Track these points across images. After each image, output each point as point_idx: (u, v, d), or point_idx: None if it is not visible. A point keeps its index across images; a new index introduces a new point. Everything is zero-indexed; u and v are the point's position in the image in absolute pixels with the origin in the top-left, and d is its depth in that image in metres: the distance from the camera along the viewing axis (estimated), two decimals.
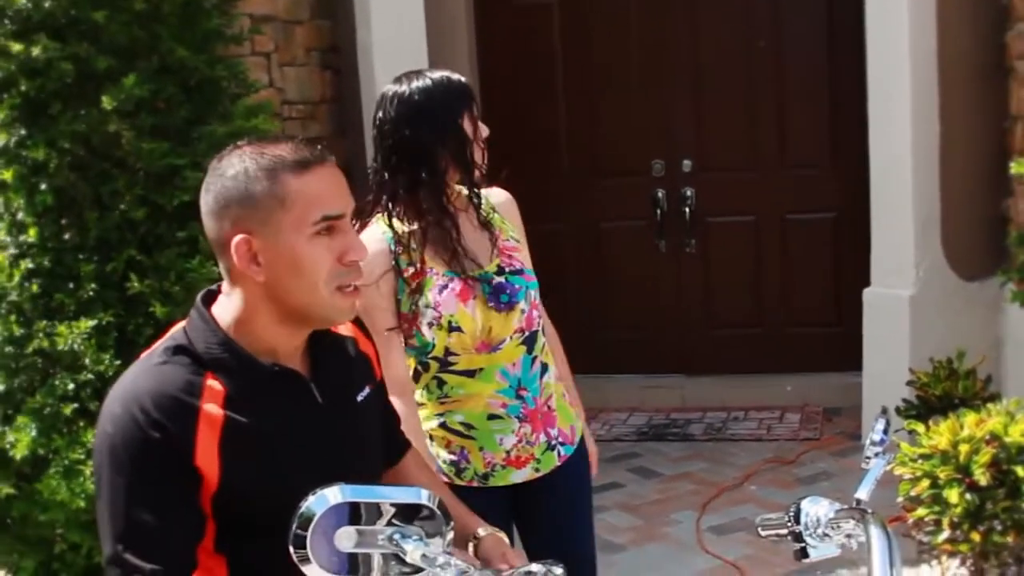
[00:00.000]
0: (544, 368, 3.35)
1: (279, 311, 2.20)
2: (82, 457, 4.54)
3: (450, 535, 1.69)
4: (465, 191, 3.34)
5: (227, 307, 2.24)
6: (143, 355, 2.27)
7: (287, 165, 2.16)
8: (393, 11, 6.84)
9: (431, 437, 3.35)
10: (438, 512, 1.68)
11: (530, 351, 3.30)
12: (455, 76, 3.33)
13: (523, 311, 3.27)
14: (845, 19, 7.06)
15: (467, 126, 3.26)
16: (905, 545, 5.03)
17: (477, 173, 3.32)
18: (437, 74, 3.32)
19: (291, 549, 1.63)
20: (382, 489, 1.69)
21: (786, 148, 7.58)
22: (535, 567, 1.65)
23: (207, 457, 2.12)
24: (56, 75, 4.72)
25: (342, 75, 7.29)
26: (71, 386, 4.65)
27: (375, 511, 1.68)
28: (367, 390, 2.42)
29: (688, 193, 7.69)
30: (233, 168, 2.18)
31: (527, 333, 3.29)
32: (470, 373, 3.27)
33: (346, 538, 1.64)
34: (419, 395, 3.35)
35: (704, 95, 7.64)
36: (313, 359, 2.31)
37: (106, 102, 4.70)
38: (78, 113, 4.76)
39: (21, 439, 4.56)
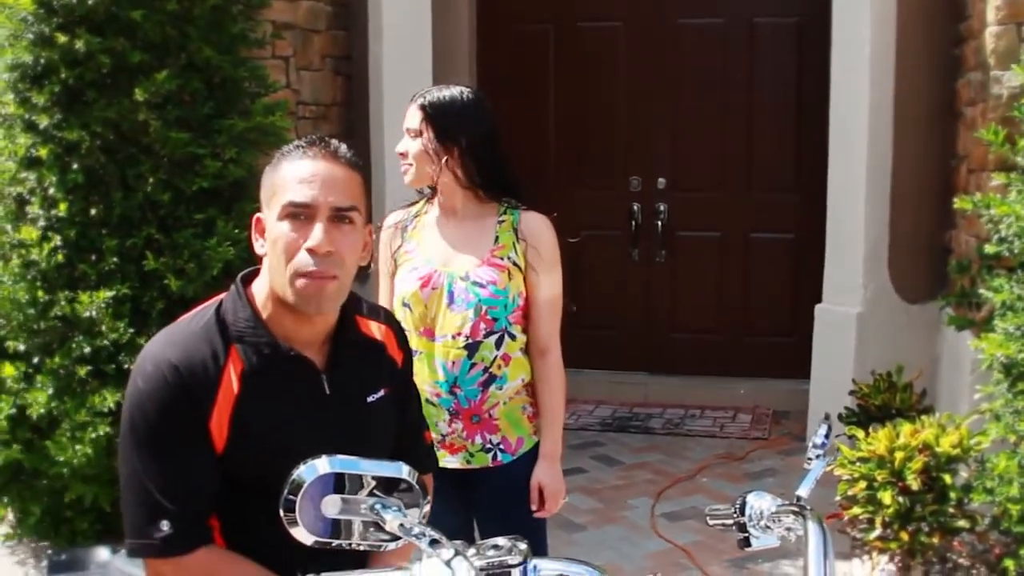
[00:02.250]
0: (492, 379, 3.28)
1: (273, 291, 2.19)
2: (88, 420, 4.55)
3: (427, 508, 1.68)
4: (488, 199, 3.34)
5: (259, 286, 2.25)
6: (182, 319, 2.26)
7: (289, 154, 2.20)
8: (403, 26, 6.84)
9: None
10: (416, 487, 1.68)
11: (471, 356, 3.25)
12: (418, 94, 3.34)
13: (469, 319, 3.23)
14: (813, 62, 7.07)
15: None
16: (839, 540, 5.04)
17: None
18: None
19: (281, 512, 1.63)
20: (366, 462, 1.67)
21: (753, 174, 7.58)
22: (501, 541, 1.64)
23: (219, 424, 2.13)
24: (94, 66, 4.77)
25: (353, 81, 7.29)
26: (87, 350, 4.67)
27: (358, 482, 1.67)
28: (381, 392, 2.37)
29: (661, 208, 7.71)
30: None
31: (470, 340, 3.24)
32: (414, 352, 3.29)
33: (332, 505, 1.63)
34: None
35: (681, 120, 7.64)
36: (332, 354, 2.29)
37: (138, 93, 4.75)
38: (111, 102, 4.81)
39: (38, 398, 4.57)
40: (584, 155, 7.84)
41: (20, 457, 4.74)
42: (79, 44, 4.68)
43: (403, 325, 3.23)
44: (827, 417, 2.32)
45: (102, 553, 2.98)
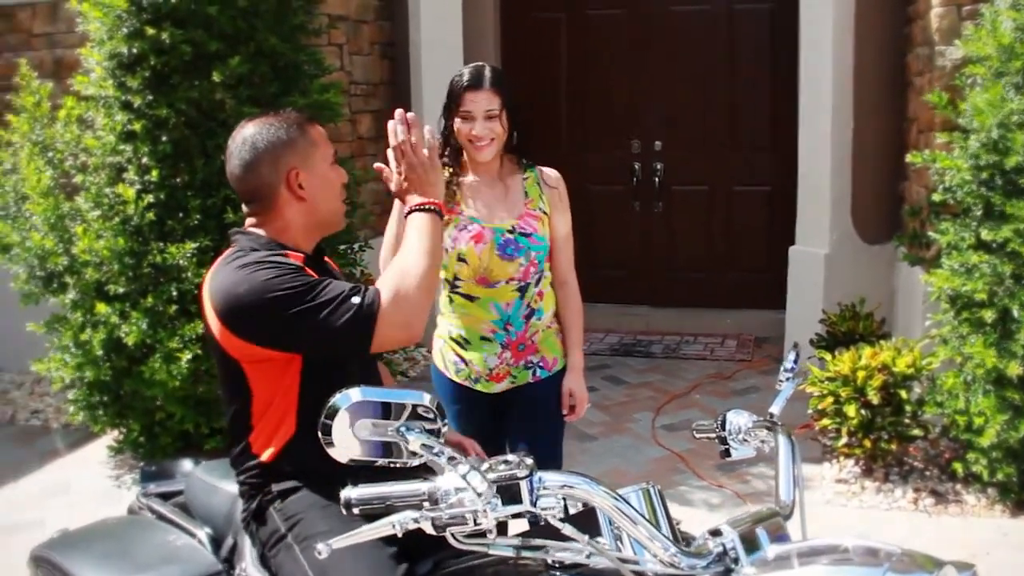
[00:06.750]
0: (532, 312, 3.23)
1: (310, 223, 2.37)
2: (179, 347, 4.58)
3: (444, 429, 1.62)
4: (514, 160, 3.26)
5: (263, 228, 2.36)
6: (220, 263, 2.29)
7: (305, 121, 2.39)
8: (438, 17, 6.77)
9: (445, 341, 3.32)
10: (435, 411, 1.62)
11: (522, 297, 3.20)
12: (459, 73, 3.18)
13: (521, 265, 3.16)
14: (784, 41, 6.91)
15: (455, 121, 3.16)
16: (811, 447, 5.01)
17: (450, 156, 3.23)
18: (460, 70, 3.22)
19: (320, 435, 1.57)
20: (391, 391, 1.62)
21: (735, 136, 7.46)
22: (510, 456, 1.58)
23: None
24: (178, 54, 4.80)
25: (397, 64, 7.20)
26: (175, 292, 4.67)
27: (400, 408, 1.62)
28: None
29: (658, 166, 7.59)
30: (270, 132, 2.34)
31: (522, 283, 3.18)
32: (470, 298, 3.20)
33: (363, 428, 1.58)
34: (439, 307, 3.33)
35: (675, 92, 7.51)
36: (313, 262, 2.39)
37: (215, 76, 4.77)
38: (193, 84, 4.83)
39: (133, 331, 4.59)
40: (591, 123, 7.73)
41: (108, 378, 4.84)
42: (165, 36, 4.69)
43: (459, 276, 3.18)
44: (796, 345, 2.27)
45: (186, 464, 2.95)
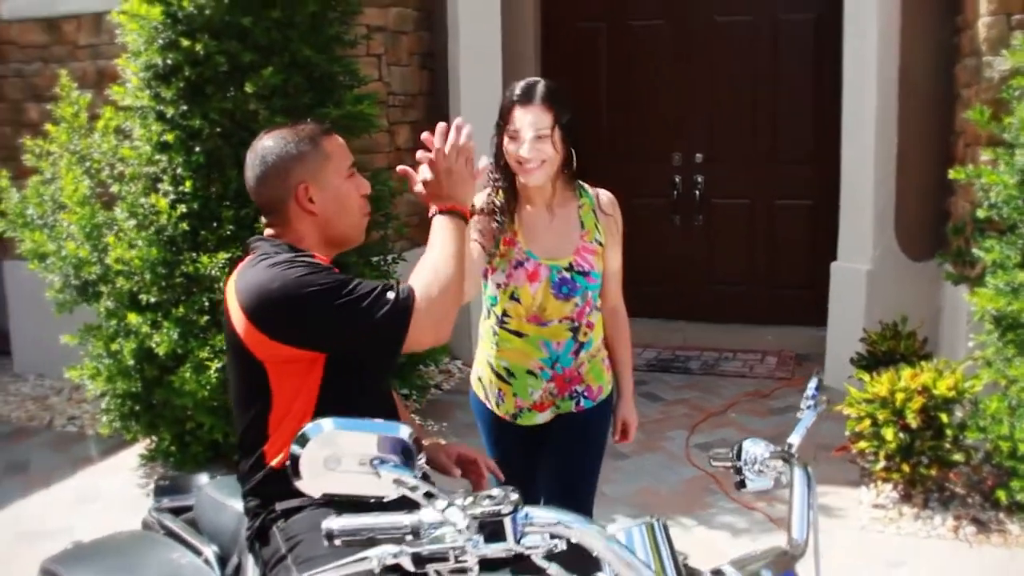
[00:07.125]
0: (581, 346, 3.05)
1: (324, 238, 2.32)
2: (210, 357, 4.55)
3: (421, 462, 1.50)
4: (568, 184, 3.03)
5: (280, 238, 2.31)
6: (246, 265, 2.25)
7: (320, 133, 2.33)
8: (477, 27, 6.71)
9: (486, 371, 3.16)
10: (412, 445, 1.50)
11: (574, 337, 3.03)
12: (511, 87, 2.94)
13: (577, 304, 2.99)
14: (828, 52, 6.77)
15: (504, 139, 2.93)
16: (849, 470, 4.86)
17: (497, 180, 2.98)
18: (513, 84, 2.98)
19: (288, 466, 1.47)
20: (367, 422, 1.50)
21: (777, 149, 7.32)
22: (495, 491, 1.46)
23: None
24: (212, 65, 4.83)
25: (436, 74, 7.13)
26: (207, 303, 4.66)
27: (375, 440, 1.52)
28: None
29: (699, 179, 7.48)
30: (280, 145, 2.30)
31: (575, 323, 3.01)
32: (519, 334, 3.03)
33: (333, 460, 1.47)
34: (481, 333, 3.17)
35: (716, 103, 7.40)
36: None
37: (248, 87, 4.78)
38: (227, 94, 4.86)
39: (164, 340, 4.57)
40: (632, 135, 7.62)
41: (138, 390, 4.83)
42: (199, 47, 4.70)
43: (509, 314, 3.02)
44: (817, 372, 2.15)
45: (202, 479, 2.89)
